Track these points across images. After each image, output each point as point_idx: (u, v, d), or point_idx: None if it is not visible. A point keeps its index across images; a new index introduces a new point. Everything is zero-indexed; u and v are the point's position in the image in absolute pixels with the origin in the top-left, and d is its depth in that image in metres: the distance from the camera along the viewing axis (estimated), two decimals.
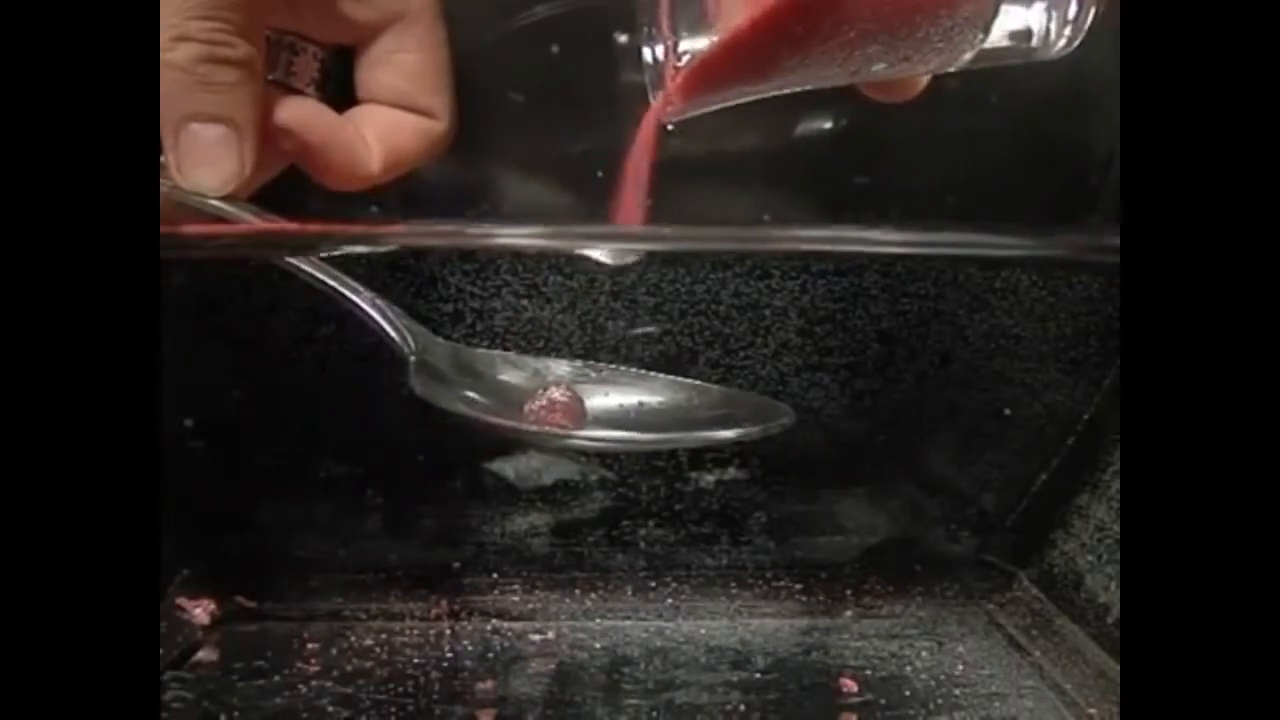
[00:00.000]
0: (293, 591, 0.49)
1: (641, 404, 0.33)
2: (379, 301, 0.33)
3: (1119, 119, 0.23)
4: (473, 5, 0.35)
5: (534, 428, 0.32)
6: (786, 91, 0.28)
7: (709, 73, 0.27)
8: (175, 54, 0.27)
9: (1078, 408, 0.46)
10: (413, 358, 0.33)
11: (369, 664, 0.44)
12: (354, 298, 0.33)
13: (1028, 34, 0.27)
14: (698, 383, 0.36)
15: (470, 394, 0.33)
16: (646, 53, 0.28)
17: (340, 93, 0.34)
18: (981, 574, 0.51)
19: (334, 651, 0.45)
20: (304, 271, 0.32)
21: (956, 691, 0.43)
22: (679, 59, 0.27)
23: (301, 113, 0.31)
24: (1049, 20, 0.27)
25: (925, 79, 0.29)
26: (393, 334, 0.33)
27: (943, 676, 0.44)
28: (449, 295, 0.43)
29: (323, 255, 0.33)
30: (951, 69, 0.28)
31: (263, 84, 0.29)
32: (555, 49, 0.36)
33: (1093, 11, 0.27)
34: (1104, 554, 0.46)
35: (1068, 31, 0.27)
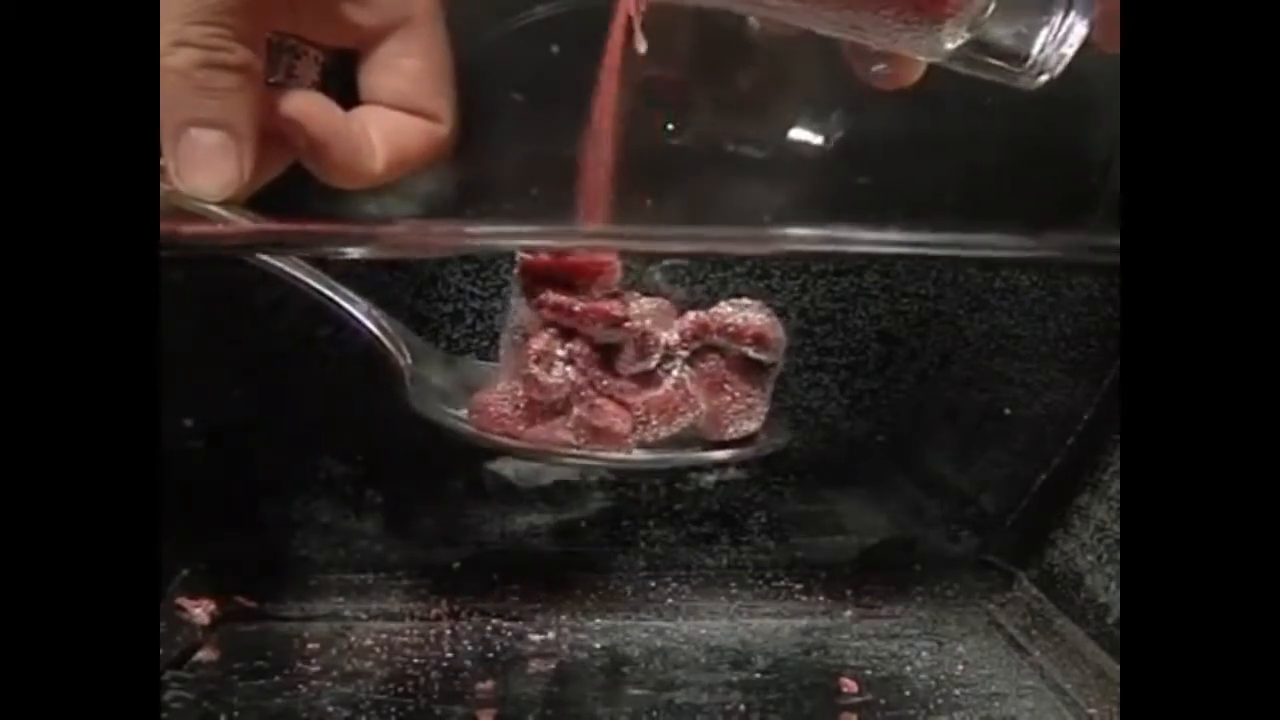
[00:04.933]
0: (293, 591, 0.49)
1: None
2: (374, 312, 0.33)
3: (1119, 119, 0.23)
4: (473, 5, 0.35)
5: (529, 445, 0.32)
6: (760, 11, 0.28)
7: None
8: (174, 59, 0.27)
9: (1078, 408, 0.46)
10: (408, 372, 0.33)
11: (369, 664, 0.44)
12: (350, 309, 0.33)
13: (1021, 55, 0.27)
14: None
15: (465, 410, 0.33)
16: None
17: (343, 95, 0.34)
18: (981, 574, 0.51)
19: (334, 651, 0.45)
20: (302, 282, 0.32)
21: (956, 691, 0.43)
22: None
23: (308, 106, 0.31)
24: (1046, 46, 0.27)
25: (920, 68, 0.29)
26: (389, 346, 0.33)
27: (943, 676, 0.44)
28: (449, 295, 0.43)
29: (324, 256, 0.33)
30: (935, 59, 0.27)
31: (261, 89, 0.29)
32: (555, 49, 0.36)
33: (1075, 49, 0.27)
34: (1104, 554, 0.46)
35: (1056, 65, 0.27)
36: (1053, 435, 0.47)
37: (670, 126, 0.33)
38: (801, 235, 0.31)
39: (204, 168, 0.28)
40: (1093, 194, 0.40)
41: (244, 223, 0.29)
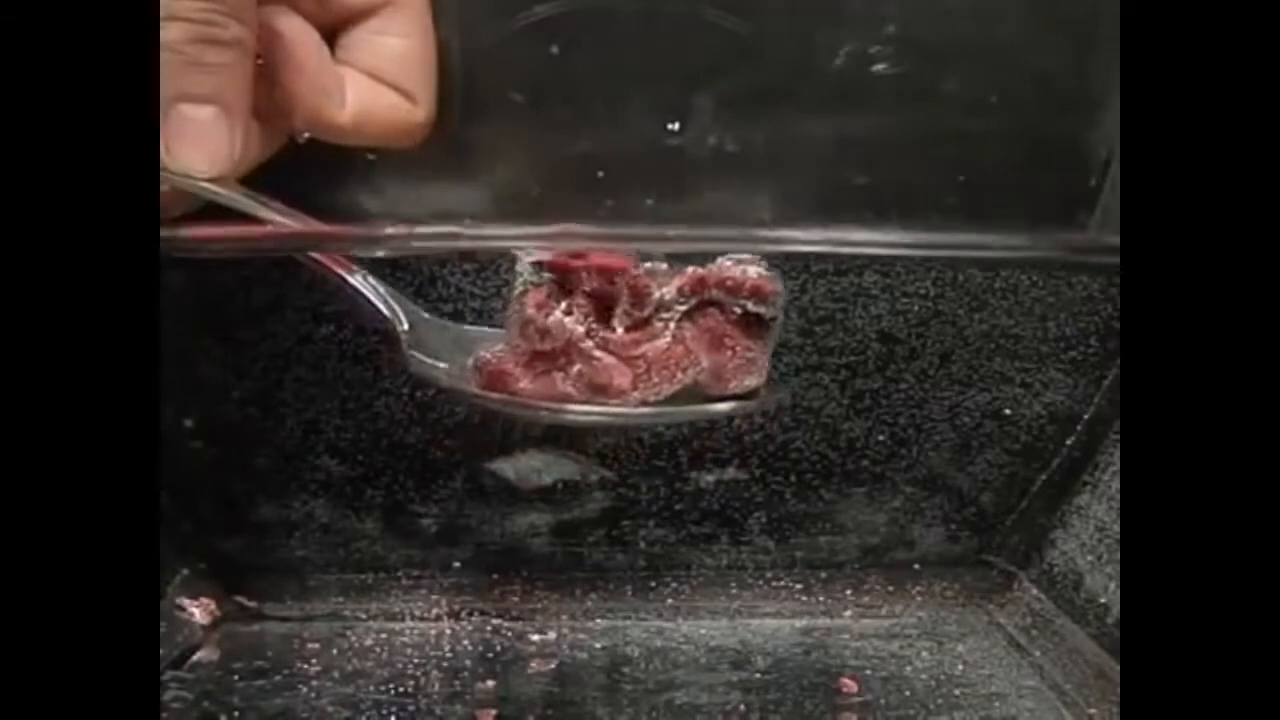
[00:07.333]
0: (293, 591, 0.49)
1: None
2: (370, 279, 0.33)
3: (1119, 119, 0.23)
4: (473, 5, 0.35)
5: (529, 400, 0.32)
6: None
7: None
8: (166, 33, 0.27)
9: (1078, 408, 0.46)
10: (405, 337, 0.33)
11: (369, 664, 0.44)
12: (345, 275, 0.33)
13: None
14: None
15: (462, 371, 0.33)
16: None
17: None
18: (981, 574, 0.51)
19: (334, 651, 0.45)
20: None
21: (956, 691, 0.43)
22: None
23: (292, 26, 0.31)
24: None
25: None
26: (383, 310, 0.33)
27: (943, 676, 0.44)
28: (449, 295, 0.43)
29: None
30: None
31: (254, 65, 0.29)
32: (555, 49, 0.36)
33: None
34: (1104, 554, 0.46)
35: None
36: (1053, 435, 0.47)
37: (670, 126, 0.33)
38: (801, 235, 0.31)
39: (196, 143, 0.28)
40: (1093, 194, 0.40)
41: (235, 200, 0.29)
